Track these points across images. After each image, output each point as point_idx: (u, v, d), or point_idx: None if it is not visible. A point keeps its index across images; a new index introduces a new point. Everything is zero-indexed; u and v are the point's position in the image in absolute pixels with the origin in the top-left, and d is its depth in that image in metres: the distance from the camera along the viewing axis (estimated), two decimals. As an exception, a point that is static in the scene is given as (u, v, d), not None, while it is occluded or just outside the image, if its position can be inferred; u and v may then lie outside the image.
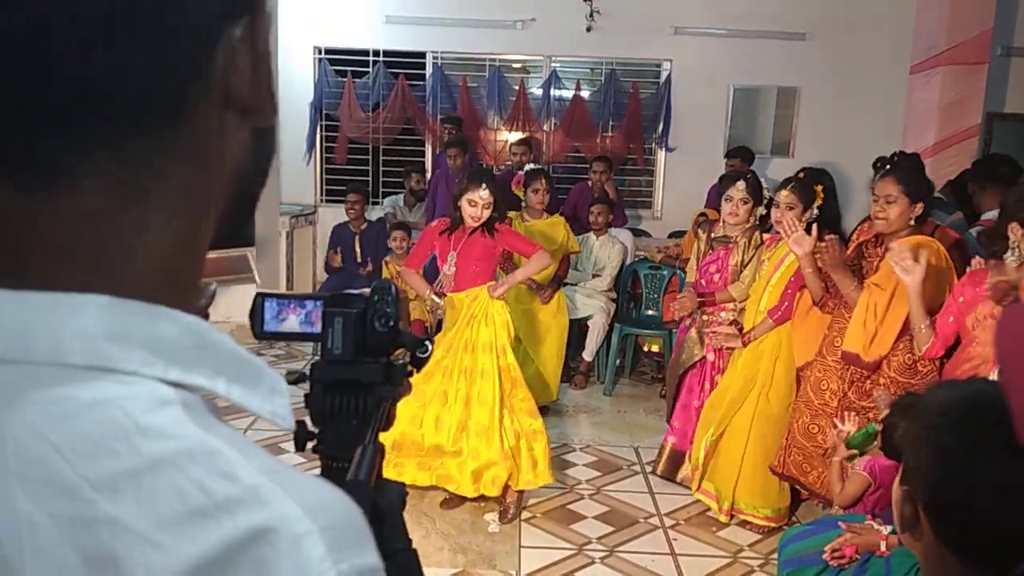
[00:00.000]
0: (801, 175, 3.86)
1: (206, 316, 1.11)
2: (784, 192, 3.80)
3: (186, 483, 0.43)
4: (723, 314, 4.21)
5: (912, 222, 3.21)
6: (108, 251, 0.48)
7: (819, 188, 3.81)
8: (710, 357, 4.24)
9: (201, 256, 0.54)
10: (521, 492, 3.95)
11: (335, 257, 6.37)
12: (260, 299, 1.20)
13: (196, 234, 0.52)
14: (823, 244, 3.37)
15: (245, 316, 1.15)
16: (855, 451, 2.86)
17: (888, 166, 3.36)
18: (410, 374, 1.20)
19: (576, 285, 6.04)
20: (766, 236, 4.12)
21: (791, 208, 3.75)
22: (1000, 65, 7.31)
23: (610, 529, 3.88)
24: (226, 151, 0.52)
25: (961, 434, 1.11)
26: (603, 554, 3.66)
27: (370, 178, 7.86)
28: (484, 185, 3.88)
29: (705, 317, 4.26)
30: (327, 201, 7.80)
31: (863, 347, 3.22)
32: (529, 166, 5.69)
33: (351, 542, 0.46)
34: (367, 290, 1.16)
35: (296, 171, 7.59)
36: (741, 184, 4.16)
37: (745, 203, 4.15)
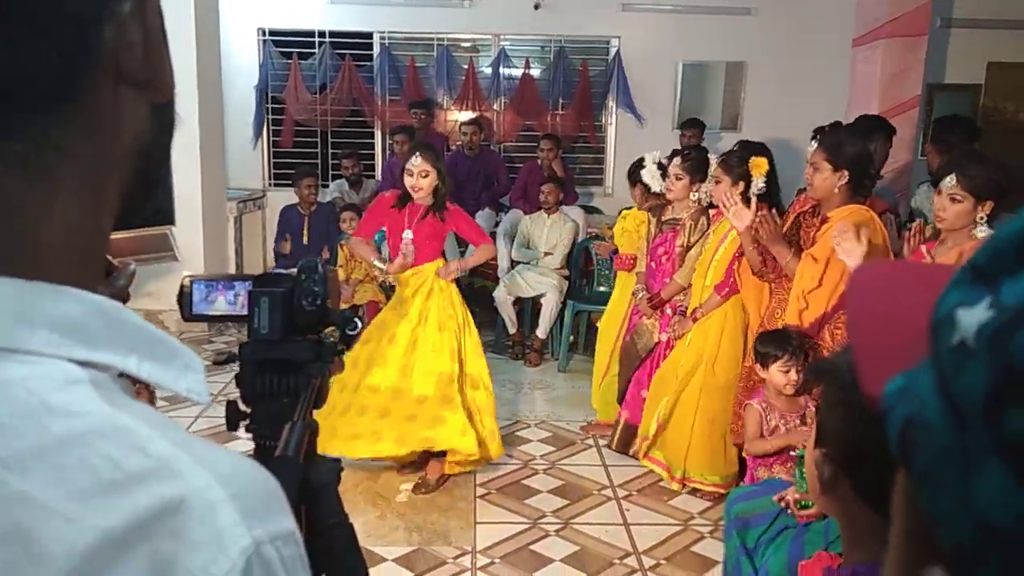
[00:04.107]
0: (736, 149, 3.92)
1: (127, 296, 1.11)
2: (713, 167, 3.90)
3: (96, 458, 0.43)
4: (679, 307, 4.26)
5: (837, 190, 3.28)
6: (10, 228, 0.48)
7: (763, 160, 3.85)
8: (663, 338, 4.30)
9: (105, 233, 0.54)
10: (443, 466, 3.99)
11: (285, 245, 6.29)
12: (189, 282, 1.19)
13: (99, 211, 0.52)
14: (759, 218, 3.43)
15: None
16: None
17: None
18: (341, 352, 1.20)
19: (528, 264, 6.08)
20: (712, 211, 4.17)
21: (718, 182, 3.83)
22: (940, 36, 7.44)
23: (564, 502, 3.93)
24: (124, 126, 0.53)
25: None
26: (558, 527, 3.71)
27: (319, 161, 7.78)
28: (416, 154, 3.88)
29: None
30: (275, 185, 7.70)
31: (798, 314, 3.30)
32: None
33: (264, 508, 0.47)
34: (295, 270, 1.16)
35: (243, 156, 7.48)
36: (677, 159, 4.23)
37: (679, 179, 4.20)
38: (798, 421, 3.26)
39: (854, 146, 3.33)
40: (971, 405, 0.38)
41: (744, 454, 3.43)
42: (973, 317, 0.39)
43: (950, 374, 0.40)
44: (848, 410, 1.19)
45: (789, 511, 2.77)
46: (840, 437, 1.21)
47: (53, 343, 0.46)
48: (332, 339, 1.18)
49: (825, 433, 1.24)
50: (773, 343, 3.22)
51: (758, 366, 3.28)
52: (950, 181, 2.89)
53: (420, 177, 3.84)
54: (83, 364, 0.47)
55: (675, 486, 4.06)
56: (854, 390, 1.25)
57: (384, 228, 4.18)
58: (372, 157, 7.80)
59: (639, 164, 4.65)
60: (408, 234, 3.92)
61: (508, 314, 6.00)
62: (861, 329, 0.54)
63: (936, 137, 5.31)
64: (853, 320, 0.55)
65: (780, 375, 3.19)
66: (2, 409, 0.43)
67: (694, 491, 4.05)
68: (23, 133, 0.47)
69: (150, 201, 0.60)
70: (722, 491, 3.95)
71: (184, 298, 1.18)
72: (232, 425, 1.14)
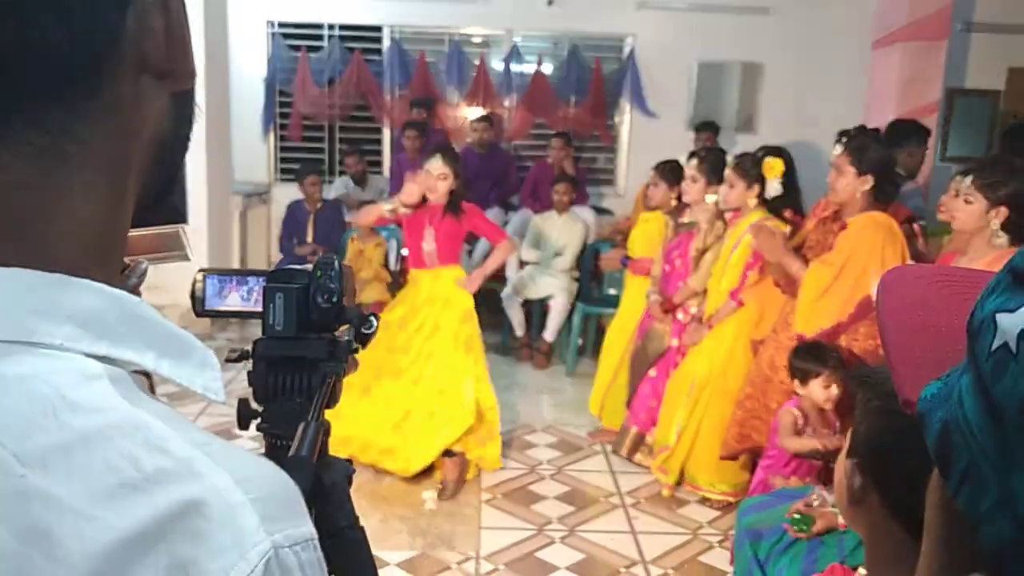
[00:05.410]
0: (760, 154, 3.84)
1: (137, 294, 1.05)
2: (726, 171, 3.83)
3: (117, 457, 0.43)
4: (692, 311, 4.17)
5: (859, 195, 3.22)
6: (30, 220, 0.47)
7: (778, 161, 3.77)
8: (674, 343, 4.23)
9: (124, 225, 0.53)
10: (462, 470, 3.94)
11: (304, 247, 6.12)
12: (202, 277, 1.14)
13: (119, 201, 0.51)
14: (759, 231, 3.39)
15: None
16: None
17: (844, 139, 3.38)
18: (355, 350, 1.15)
19: (537, 265, 6.00)
20: (728, 214, 4.09)
21: (732, 187, 3.76)
22: (960, 40, 7.35)
23: (571, 509, 3.86)
24: (145, 116, 0.52)
25: None
26: (563, 533, 3.63)
27: (326, 156, 7.71)
28: (437, 156, 3.84)
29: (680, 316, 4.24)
30: (282, 180, 7.62)
31: (805, 322, 3.26)
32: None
33: (284, 512, 0.46)
34: (310, 265, 1.11)
35: (249, 150, 7.38)
36: (693, 161, 4.17)
37: (694, 181, 4.13)
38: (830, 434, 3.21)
39: (879, 151, 3.27)
40: (1013, 406, 0.39)
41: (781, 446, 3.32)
42: (1014, 321, 0.40)
43: (990, 376, 0.40)
44: (886, 419, 1.16)
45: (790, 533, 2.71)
46: (874, 447, 1.18)
47: (73, 337, 0.45)
48: (347, 338, 1.13)
49: (859, 442, 1.21)
50: (812, 358, 3.13)
51: (796, 383, 3.19)
52: (967, 180, 2.84)
53: (439, 180, 3.81)
54: (100, 359, 0.46)
55: (666, 492, 4.00)
56: (894, 399, 1.19)
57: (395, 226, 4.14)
58: (379, 153, 7.72)
59: (676, 166, 4.51)
60: (430, 233, 3.89)
61: (516, 316, 5.93)
62: (893, 333, 0.55)
63: (1012, 145, 5.25)
64: (884, 324, 0.55)
65: (821, 391, 3.12)
66: (23, 404, 0.43)
67: (703, 500, 3.97)
68: (40, 123, 0.47)
69: (169, 197, 0.59)
70: (731, 499, 3.88)
71: (196, 293, 1.14)
72: (243, 424, 1.09)
